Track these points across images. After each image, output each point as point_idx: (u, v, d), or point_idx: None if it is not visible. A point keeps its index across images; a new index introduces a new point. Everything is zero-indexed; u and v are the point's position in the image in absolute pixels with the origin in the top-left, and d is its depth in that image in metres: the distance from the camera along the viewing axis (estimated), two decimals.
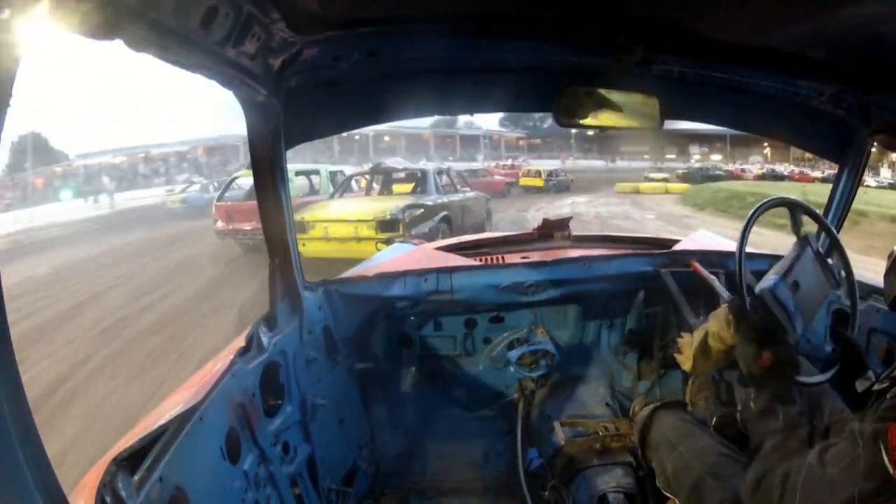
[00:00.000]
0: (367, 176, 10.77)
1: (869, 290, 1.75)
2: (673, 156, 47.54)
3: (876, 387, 0.99)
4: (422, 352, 2.30)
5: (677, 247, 2.50)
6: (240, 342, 1.53)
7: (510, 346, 2.27)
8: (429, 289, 2.14)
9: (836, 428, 1.29)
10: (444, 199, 9.09)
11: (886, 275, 1.17)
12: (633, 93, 1.60)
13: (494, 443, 2.30)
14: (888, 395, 0.91)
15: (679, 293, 1.97)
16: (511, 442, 2.21)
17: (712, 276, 1.80)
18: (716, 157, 45.91)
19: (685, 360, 1.58)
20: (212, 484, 1.17)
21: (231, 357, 1.42)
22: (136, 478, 0.94)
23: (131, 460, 0.95)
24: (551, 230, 2.86)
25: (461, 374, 2.34)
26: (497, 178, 24.15)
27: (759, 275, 1.44)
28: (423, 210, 8.32)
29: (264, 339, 1.56)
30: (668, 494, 1.44)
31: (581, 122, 1.61)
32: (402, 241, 3.62)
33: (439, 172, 10.00)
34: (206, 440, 1.19)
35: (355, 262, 6.59)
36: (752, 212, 1.41)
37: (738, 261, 1.39)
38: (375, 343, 2.22)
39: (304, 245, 7.22)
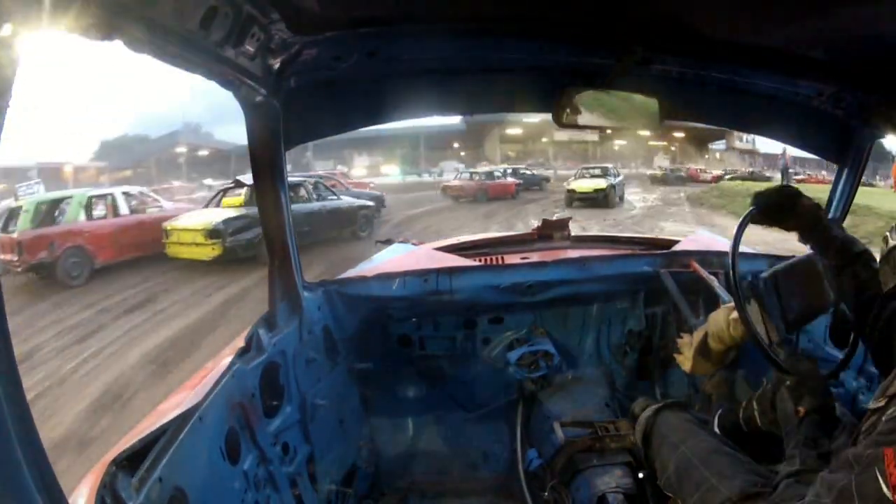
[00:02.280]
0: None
1: None
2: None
3: (872, 405, 0.97)
4: (421, 352, 2.30)
5: (677, 247, 2.50)
6: (239, 342, 1.53)
7: (510, 347, 2.27)
8: (428, 289, 2.14)
9: (836, 452, 1.28)
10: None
11: (881, 263, 1.16)
12: (632, 93, 1.60)
13: (494, 443, 2.30)
14: (884, 418, 0.89)
15: (679, 293, 1.97)
16: (510, 442, 2.21)
17: (712, 277, 1.80)
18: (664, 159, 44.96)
19: (685, 361, 1.58)
20: (211, 484, 1.17)
21: (231, 357, 1.42)
22: (135, 478, 0.94)
23: (131, 461, 0.95)
24: (551, 231, 2.86)
25: (461, 375, 2.33)
26: (509, 180, 24.51)
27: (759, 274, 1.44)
28: (247, 220, 9.38)
29: (264, 340, 1.56)
30: (669, 494, 1.44)
31: (581, 122, 1.61)
32: (402, 242, 3.61)
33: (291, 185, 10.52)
34: (205, 440, 1.19)
35: (201, 262, 8.89)
36: (746, 213, 1.41)
37: (732, 259, 1.38)
38: (375, 343, 2.21)
39: (167, 248, 9.88)
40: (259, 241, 8.58)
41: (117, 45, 0.84)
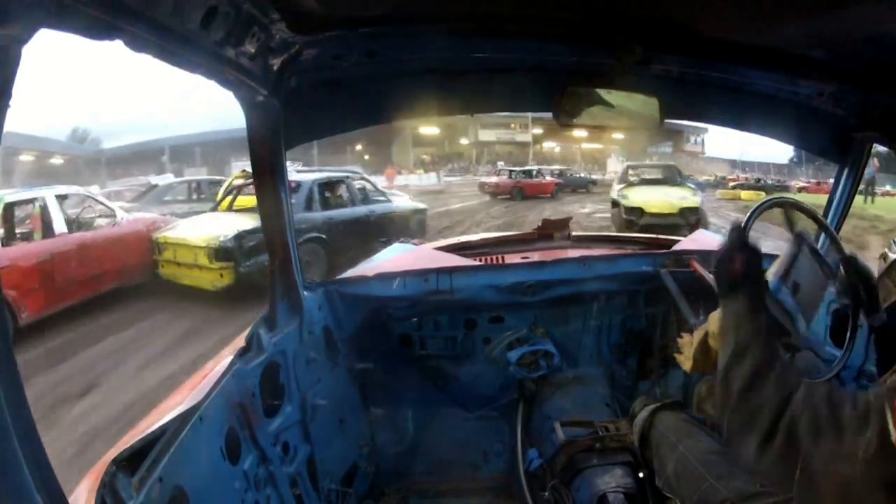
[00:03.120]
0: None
1: None
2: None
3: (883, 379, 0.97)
4: (422, 352, 2.30)
5: (677, 247, 2.50)
6: (240, 342, 1.53)
7: (510, 347, 2.27)
8: (429, 289, 2.14)
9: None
10: (318, 217, 7.32)
11: (881, 277, 1.16)
12: (633, 93, 1.60)
13: (494, 443, 2.30)
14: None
15: (679, 293, 1.97)
16: (511, 442, 2.21)
17: (712, 276, 1.80)
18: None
19: (685, 360, 1.58)
20: (212, 484, 1.17)
21: (231, 357, 1.42)
22: (136, 478, 0.94)
23: (131, 460, 0.95)
24: (551, 230, 2.86)
25: (461, 375, 2.34)
26: (548, 179, 25.05)
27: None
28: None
29: (264, 340, 1.56)
30: (668, 495, 1.44)
31: (581, 121, 1.61)
32: (402, 242, 3.61)
33: (329, 182, 8.03)
34: (206, 440, 1.19)
35: (204, 292, 6.39)
36: (750, 213, 1.41)
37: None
38: (375, 343, 2.22)
39: (161, 268, 7.02)
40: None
41: (117, 45, 0.84)
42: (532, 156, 41.89)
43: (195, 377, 1.39)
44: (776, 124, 1.84)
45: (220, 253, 6.42)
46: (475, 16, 1.36)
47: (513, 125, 43.92)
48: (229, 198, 7.96)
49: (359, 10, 1.31)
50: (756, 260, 1.14)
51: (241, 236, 6.48)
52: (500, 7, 1.35)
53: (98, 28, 0.78)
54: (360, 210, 8.11)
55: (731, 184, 31.03)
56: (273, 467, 1.46)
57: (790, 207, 1.49)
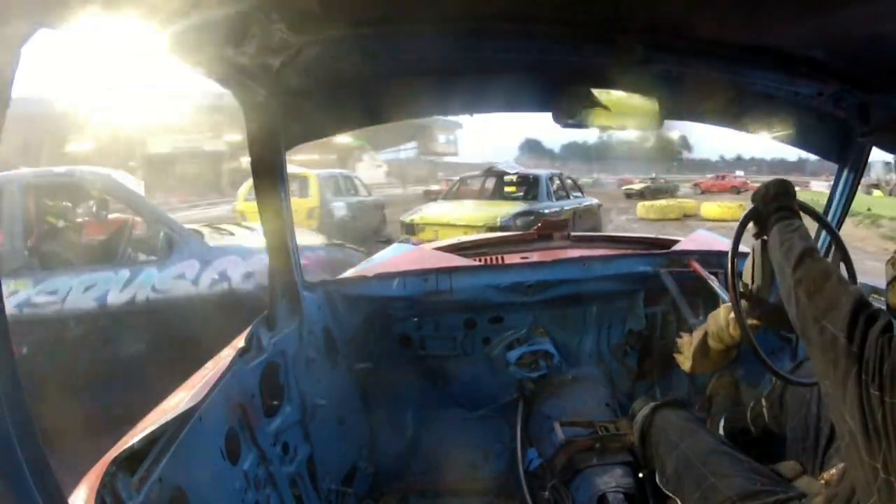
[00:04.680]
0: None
1: (869, 290, 1.75)
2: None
3: None
4: (421, 352, 2.30)
5: (677, 247, 2.50)
6: (239, 342, 1.53)
7: (510, 347, 2.27)
8: (428, 289, 2.14)
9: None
10: (556, 207, 8.67)
11: (888, 287, 1.16)
12: (633, 93, 1.60)
13: (494, 443, 2.30)
14: None
15: (678, 293, 1.97)
16: (510, 442, 2.21)
17: (711, 277, 1.80)
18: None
19: (685, 360, 1.58)
20: (212, 484, 1.17)
21: (231, 357, 1.42)
22: (135, 478, 0.94)
23: (131, 460, 0.95)
24: (551, 230, 2.86)
25: (461, 375, 2.34)
26: None
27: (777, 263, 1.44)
28: (533, 217, 7.47)
29: (264, 340, 1.56)
30: (668, 493, 1.44)
31: (581, 122, 1.61)
32: (402, 241, 3.63)
33: (551, 178, 9.36)
34: (205, 440, 1.19)
35: None
36: (746, 212, 1.41)
37: (731, 260, 1.39)
38: (375, 343, 2.21)
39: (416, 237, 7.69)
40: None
41: (117, 45, 0.84)
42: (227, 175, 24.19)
43: (195, 377, 1.39)
44: (776, 125, 1.84)
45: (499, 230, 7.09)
46: (475, 16, 1.36)
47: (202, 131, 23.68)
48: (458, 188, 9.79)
49: (359, 10, 1.31)
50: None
51: (516, 216, 7.80)
52: (500, 7, 1.34)
53: (98, 28, 0.78)
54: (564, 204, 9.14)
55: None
56: (273, 467, 1.46)
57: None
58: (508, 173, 9.52)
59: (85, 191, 4.01)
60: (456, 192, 9.74)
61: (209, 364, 1.46)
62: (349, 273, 2.38)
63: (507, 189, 9.22)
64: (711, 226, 12.75)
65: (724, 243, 2.56)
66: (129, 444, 0.97)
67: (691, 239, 2.80)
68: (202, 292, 3.68)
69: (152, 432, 1.02)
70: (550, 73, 1.66)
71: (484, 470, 2.26)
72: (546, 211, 8.20)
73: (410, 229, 8.26)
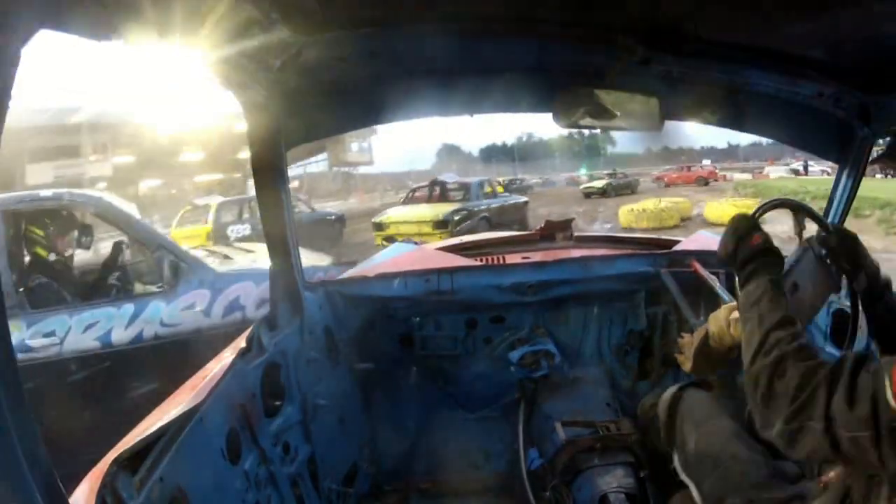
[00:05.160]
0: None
1: None
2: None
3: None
4: (422, 352, 2.30)
5: (678, 247, 2.50)
6: (240, 342, 1.53)
7: (511, 347, 2.27)
8: (430, 289, 2.14)
9: None
10: (485, 205, 12.19)
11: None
12: (633, 93, 1.60)
13: (495, 443, 2.29)
14: None
15: (679, 294, 1.97)
16: (512, 442, 2.20)
17: (713, 277, 1.80)
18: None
19: (685, 361, 1.58)
20: (212, 484, 1.17)
21: (231, 357, 1.42)
22: (136, 478, 0.94)
23: (132, 460, 0.95)
24: (553, 231, 2.86)
25: (462, 375, 2.34)
26: None
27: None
28: (466, 212, 11.33)
29: (265, 340, 1.56)
30: (682, 478, 1.43)
31: (581, 122, 1.61)
32: (403, 241, 3.62)
33: (481, 183, 13.02)
34: (206, 441, 1.19)
35: None
36: (752, 213, 1.41)
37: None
38: (376, 343, 2.22)
39: (381, 238, 10.98)
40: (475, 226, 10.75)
41: (117, 45, 0.85)
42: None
43: (196, 377, 1.39)
44: (776, 125, 1.84)
45: (442, 223, 10.62)
46: (475, 16, 1.36)
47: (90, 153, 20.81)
48: (414, 194, 13.32)
49: (359, 10, 1.31)
50: (770, 239, 1.16)
51: (454, 212, 10.93)
52: (500, 7, 1.35)
53: (98, 28, 0.79)
54: None
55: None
56: (274, 467, 1.46)
57: (795, 208, 1.48)
58: (449, 182, 13.24)
59: (76, 216, 3.54)
60: (410, 199, 13.20)
61: (210, 364, 1.46)
62: (350, 273, 2.39)
63: (449, 194, 12.67)
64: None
65: None
66: (131, 443, 0.97)
67: (692, 239, 2.79)
68: (215, 323, 3.37)
69: (153, 432, 1.02)
70: (550, 74, 1.66)
71: (485, 470, 2.26)
72: (476, 208, 11.82)
73: (380, 227, 11.50)
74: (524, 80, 1.70)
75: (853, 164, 1.83)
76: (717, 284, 1.74)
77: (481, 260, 2.46)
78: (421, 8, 1.33)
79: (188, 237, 10.86)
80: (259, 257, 3.88)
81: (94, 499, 0.85)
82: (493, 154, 69.01)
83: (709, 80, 1.63)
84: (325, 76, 1.55)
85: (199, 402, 1.18)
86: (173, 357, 3.14)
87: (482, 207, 11.98)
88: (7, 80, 0.62)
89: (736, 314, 1.42)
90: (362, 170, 39.07)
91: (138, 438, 0.99)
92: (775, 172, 36.41)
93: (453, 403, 2.35)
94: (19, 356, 2.59)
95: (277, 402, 1.60)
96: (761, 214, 1.41)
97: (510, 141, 72.89)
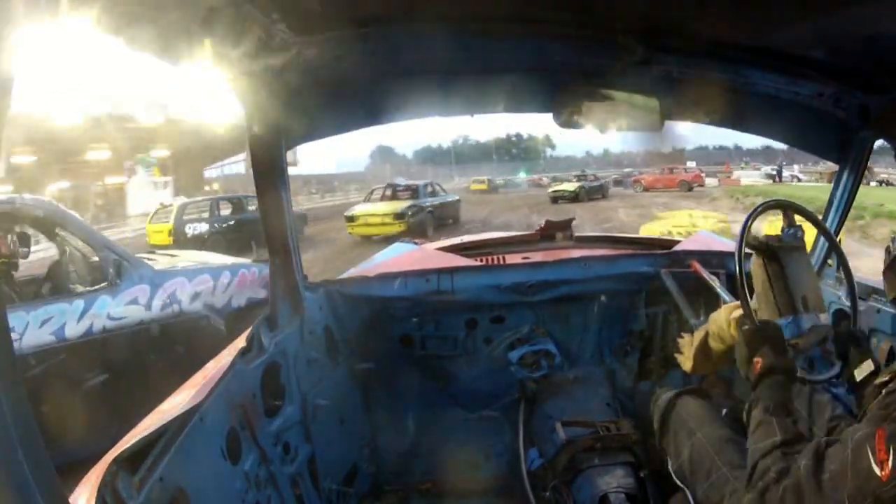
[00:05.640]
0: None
1: (869, 290, 1.75)
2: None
3: (878, 380, 0.98)
4: (423, 352, 2.30)
5: (678, 247, 2.50)
6: (240, 342, 1.53)
7: (511, 347, 2.27)
8: (430, 289, 2.14)
9: (836, 433, 1.27)
10: (433, 200, 16.06)
11: (886, 272, 1.16)
12: (633, 93, 1.60)
13: (495, 443, 2.29)
14: (884, 391, 0.90)
15: (679, 294, 1.97)
16: (512, 442, 2.20)
17: (713, 277, 1.80)
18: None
19: (685, 361, 1.58)
20: (212, 484, 1.17)
21: (232, 357, 1.42)
22: (136, 478, 0.94)
23: (132, 460, 0.95)
24: (553, 231, 2.87)
25: (462, 375, 2.34)
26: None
27: None
28: (416, 207, 14.73)
29: (265, 340, 1.56)
30: (678, 482, 1.43)
31: (581, 122, 1.61)
32: (403, 242, 3.62)
33: (426, 185, 16.71)
34: (206, 440, 1.19)
35: (378, 236, 12.46)
36: (750, 213, 1.40)
37: (738, 258, 1.38)
38: (376, 343, 2.22)
39: (352, 228, 14.38)
40: (424, 218, 14.52)
41: (118, 45, 0.85)
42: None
43: (196, 377, 1.39)
44: (776, 125, 1.83)
45: (399, 215, 13.96)
46: (475, 16, 1.36)
47: None
48: (376, 195, 16.47)
49: (359, 10, 1.31)
50: (779, 346, 1.19)
51: (410, 207, 14.33)
52: (500, 7, 1.35)
53: (99, 27, 0.79)
54: None
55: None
56: (274, 467, 1.46)
57: (789, 209, 1.48)
58: (401, 185, 17.11)
59: (26, 220, 3.65)
60: (369, 198, 16.47)
61: (210, 364, 1.46)
62: (350, 273, 2.39)
63: (400, 194, 15.92)
64: None
65: (724, 244, 2.56)
66: (131, 443, 0.97)
67: (692, 239, 2.80)
68: (155, 315, 3.64)
69: (153, 432, 1.02)
70: (551, 74, 1.66)
71: (485, 470, 2.26)
72: (423, 204, 15.19)
73: (352, 219, 14.51)
74: (524, 80, 1.70)
75: (853, 165, 1.83)
76: (717, 284, 1.74)
77: (481, 260, 2.46)
78: (421, 8, 1.33)
79: (157, 232, 13.18)
80: (180, 261, 4.18)
81: (94, 499, 0.85)
82: (429, 156, 68.01)
83: (709, 80, 1.63)
84: (325, 76, 1.55)
85: (199, 402, 1.18)
86: (120, 347, 3.41)
87: (427, 204, 15.46)
88: (7, 79, 0.62)
89: (736, 314, 1.42)
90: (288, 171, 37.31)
91: (138, 438, 0.99)
92: (748, 177, 33.32)
93: (453, 403, 2.35)
94: None
95: (277, 402, 1.60)
96: (754, 219, 1.39)
97: (446, 143, 72.29)
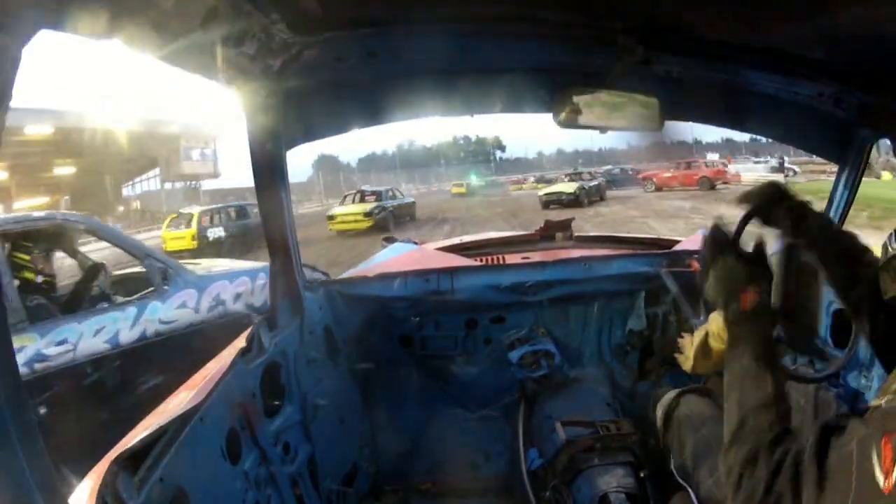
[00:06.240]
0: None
1: None
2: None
3: (873, 402, 0.91)
4: (423, 352, 2.30)
5: (678, 247, 2.50)
6: (240, 342, 1.53)
7: (511, 347, 2.27)
8: (430, 289, 2.14)
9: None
10: (393, 202, 19.93)
11: (880, 272, 1.15)
12: (633, 93, 1.60)
13: (495, 443, 2.30)
14: (883, 404, 0.85)
15: (679, 293, 1.97)
16: (512, 442, 2.21)
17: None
18: None
19: (686, 360, 1.58)
20: (212, 484, 1.17)
21: (232, 357, 1.42)
22: (137, 478, 0.94)
23: (132, 460, 0.95)
24: (553, 231, 2.87)
25: (462, 375, 2.34)
26: None
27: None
28: (381, 207, 18.50)
29: (265, 340, 1.56)
30: (680, 480, 1.43)
31: (581, 122, 1.61)
32: (403, 242, 3.62)
33: (388, 190, 20.93)
34: (206, 440, 1.19)
35: (352, 231, 17.05)
36: (742, 217, 1.40)
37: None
38: (376, 343, 2.22)
39: (332, 225, 17.66)
40: (387, 216, 17.89)
41: (118, 45, 0.85)
42: None
43: (196, 377, 1.39)
44: (776, 125, 1.83)
45: (368, 214, 17.55)
46: (475, 16, 1.36)
47: None
48: (349, 197, 20.07)
49: (359, 10, 1.31)
50: (766, 285, 1.01)
51: (375, 207, 17.97)
52: (500, 7, 1.35)
53: (98, 28, 0.79)
54: None
55: None
56: (274, 467, 1.46)
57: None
58: (368, 190, 20.65)
59: (69, 236, 3.80)
60: (343, 202, 19.92)
61: (210, 364, 1.46)
62: (350, 273, 2.39)
63: (367, 197, 19.58)
64: None
65: None
66: (131, 443, 0.97)
67: (692, 239, 2.79)
68: (203, 317, 3.88)
69: (153, 432, 1.02)
70: (550, 74, 1.66)
71: (485, 470, 2.26)
72: (386, 205, 18.86)
73: (332, 218, 18.05)
74: (524, 80, 1.70)
75: (853, 164, 1.83)
76: None
77: (481, 260, 2.46)
78: (421, 8, 1.33)
79: (176, 238, 14.18)
80: (199, 268, 4.34)
81: (95, 499, 0.85)
82: (373, 163, 66.45)
83: (709, 80, 1.63)
84: (325, 76, 1.55)
85: (199, 402, 1.18)
86: (173, 349, 3.58)
87: (389, 205, 19.10)
88: (8, 80, 0.62)
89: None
90: (209, 185, 33.09)
91: (138, 438, 0.99)
92: (749, 173, 25.50)
93: (453, 403, 2.35)
94: (36, 366, 2.74)
95: (277, 402, 1.60)
96: (748, 221, 1.35)
97: (391, 149, 70.80)
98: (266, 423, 1.49)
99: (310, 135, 1.75)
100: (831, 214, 1.89)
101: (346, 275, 2.34)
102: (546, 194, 22.45)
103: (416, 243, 3.19)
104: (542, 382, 2.26)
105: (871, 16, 1.13)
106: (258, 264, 4.56)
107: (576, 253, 2.47)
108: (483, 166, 60.59)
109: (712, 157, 33.46)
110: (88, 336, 3.31)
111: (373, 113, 1.76)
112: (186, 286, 3.84)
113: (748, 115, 1.79)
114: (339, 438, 1.95)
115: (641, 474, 1.69)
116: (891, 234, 1.11)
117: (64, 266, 4.01)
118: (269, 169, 1.64)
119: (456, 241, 3.16)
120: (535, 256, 2.53)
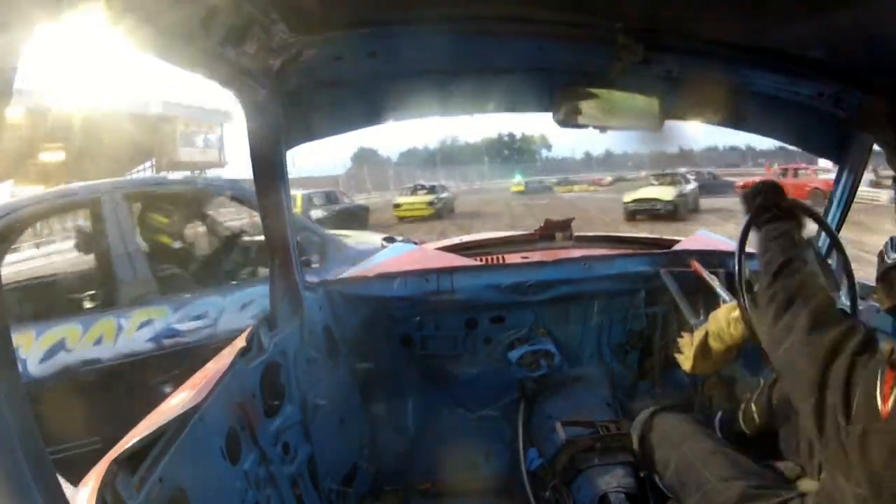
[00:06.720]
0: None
1: (869, 290, 1.75)
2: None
3: None
4: (422, 352, 2.30)
5: (677, 247, 2.50)
6: (240, 342, 1.53)
7: (511, 346, 2.27)
8: (430, 289, 2.14)
9: None
10: (444, 195, 23.74)
11: (878, 281, 1.16)
12: (633, 93, 1.60)
13: (495, 443, 2.29)
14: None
15: (679, 293, 1.97)
16: (512, 442, 2.21)
17: (712, 276, 1.80)
18: None
19: (685, 360, 1.58)
20: (212, 484, 1.17)
21: (231, 357, 1.42)
22: (136, 478, 0.94)
23: (132, 460, 0.95)
24: (553, 230, 2.87)
25: (462, 374, 2.34)
26: None
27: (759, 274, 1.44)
28: (435, 198, 22.40)
29: (265, 339, 1.56)
30: (670, 495, 1.44)
31: (581, 122, 1.61)
32: (403, 241, 3.61)
33: (440, 185, 25.07)
34: (206, 440, 1.19)
35: (419, 218, 20.85)
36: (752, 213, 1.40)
37: (738, 260, 1.38)
38: (376, 343, 2.22)
39: (398, 212, 21.57)
40: (441, 205, 22.13)
41: (118, 45, 0.85)
42: None
43: (195, 377, 1.39)
44: (776, 124, 1.84)
45: (430, 203, 22.08)
46: (475, 16, 1.36)
47: None
48: (406, 190, 24.79)
49: (359, 10, 1.32)
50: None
51: (434, 199, 22.58)
52: (500, 7, 1.35)
53: (99, 27, 0.79)
54: None
55: None
56: (273, 467, 1.46)
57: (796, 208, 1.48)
58: (425, 185, 24.66)
59: (210, 200, 3.58)
60: (405, 193, 23.84)
61: (210, 364, 1.46)
62: (350, 273, 2.39)
63: (423, 190, 23.57)
64: None
65: (724, 243, 2.55)
66: (130, 443, 0.97)
67: (692, 239, 2.80)
68: None
69: (153, 432, 1.02)
70: (550, 74, 1.66)
71: (485, 470, 2.26)
72: (441, 196, 23.13)
73: (398, 206, 22.03)
74: (524, 79, 1.70)
75: (853, 164, 1.83)
76: (717, 284, 1.74)
77: (481, 260, 2.46)
78: (421, 8, 1.33)
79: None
80: (351, 240, 4.04)
81: (95, 499, 0.85)
82: (414, 158, 65.32)
83: (709, 80, 1.63)
84: (325, 76, 1.55)
85: (198, 402, 1.18)
86: None
87: (442, 197, 23.20)
88: (8, 80, 0.62)
89: (736, 314, 1.43)
90: (212, 173, 24.78)
91: (138, 438, 0.99)
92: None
93: (453, 403, 2.35)
94: (164, 341, 2.66)
95: (277, 402, 1.60)
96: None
97: (433, 145, 70.02)
98: (266, 423, 1.49)
99: (310, 134, 1.75)
100: (831, 214, 1.89)
101: (346, 275, 2.34)
102: (634, 201, 17.15)
103: (416, 243, 3.19)
104: (541, 382, 2.26)
105: (871, 16, 1.13)
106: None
107: (576, 253, 2.47)
108: (528, 165, 59.76)
109: (824, 163, 31.46)
110: (232, 310, 3.06)
111: (373, 113, 1.76)
112: (345, 260, 3.41)
113: (748, 115, 1.79)
114: (339, 438, 1.95)
115: (641, 474, 1.69)
116: (887, 243, 1.11)
117: (198, 235, 3.77)
118: (269, 169, 1.64)
119: (456, 240, 3.16)
120: (535, 256, 2.53)
